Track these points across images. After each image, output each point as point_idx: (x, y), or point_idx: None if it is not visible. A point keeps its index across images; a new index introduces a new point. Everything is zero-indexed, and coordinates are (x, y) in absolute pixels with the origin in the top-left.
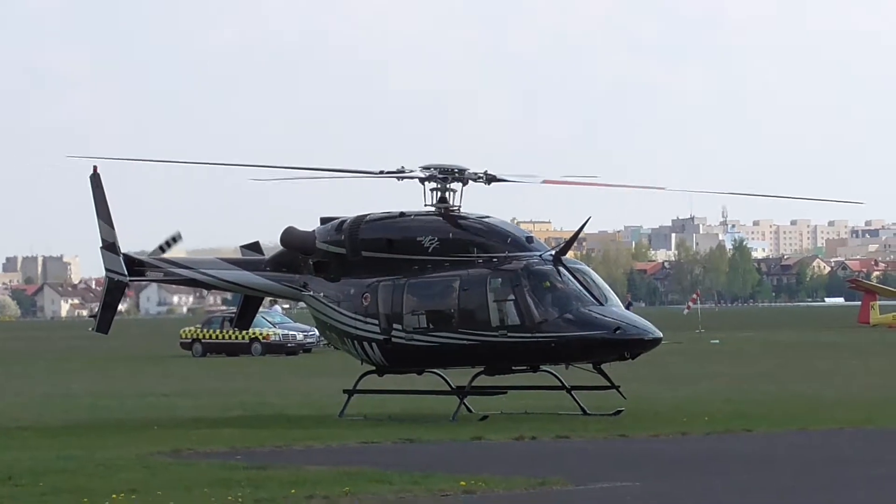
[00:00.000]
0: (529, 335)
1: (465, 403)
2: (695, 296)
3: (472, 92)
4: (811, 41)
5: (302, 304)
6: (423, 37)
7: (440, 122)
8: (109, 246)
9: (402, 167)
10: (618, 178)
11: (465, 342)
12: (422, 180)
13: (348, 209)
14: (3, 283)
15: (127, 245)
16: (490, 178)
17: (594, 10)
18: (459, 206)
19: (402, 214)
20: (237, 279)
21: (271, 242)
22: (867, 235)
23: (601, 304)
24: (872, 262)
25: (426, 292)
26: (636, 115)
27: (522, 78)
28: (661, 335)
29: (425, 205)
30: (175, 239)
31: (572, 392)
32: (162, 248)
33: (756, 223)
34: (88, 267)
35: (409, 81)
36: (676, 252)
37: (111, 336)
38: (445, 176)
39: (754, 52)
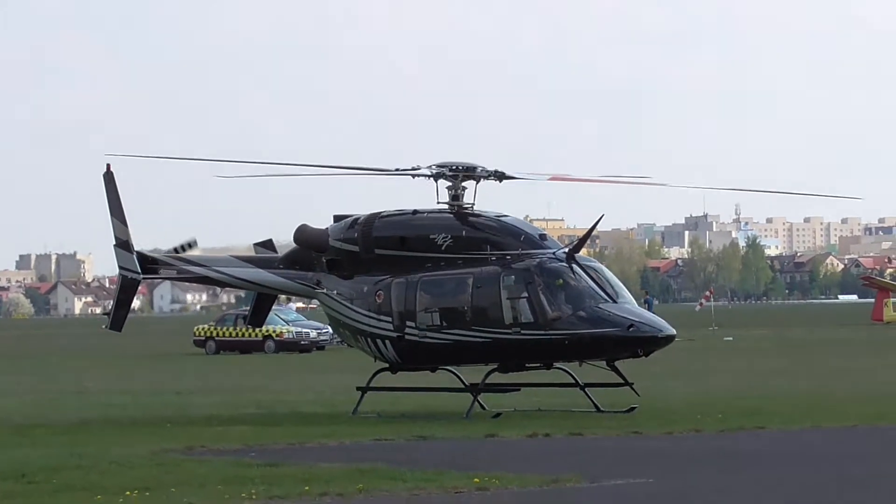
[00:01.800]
0: (543, 332)
1: (478, 401)
2: (707, 293)
3: (482, 89)
4: (827, 34)
5: (316, 301)
6: (433, 34)
7: (451, 120)
8: (123, 244)
9: (416, 165)
10: (628, 175)
11: (478, 339)
12: (434, 178)
13: (362, 207)
14: (17, 281)
15: (140, 243)
16: (501, 176)
17: (602, 4)
18: (473, 204)
19: (415, 212)
20: (250, 277)
21: (285, 240)
22: (880, 233)
23: (615, 302)
24: (886, 260)
25: (439, 290)
26: (647, 111)
27: (532, 75)
28: (675, 332)
29: (438, 203)
30: (191, 245)
31: (586, 389)
32: (177, 251)
33: (769, 220)
34: (102, 265)
35: (420, 79)
36: (690, 250)
37: (124, 334)
38: (457, 174)
39: (767, 47)
